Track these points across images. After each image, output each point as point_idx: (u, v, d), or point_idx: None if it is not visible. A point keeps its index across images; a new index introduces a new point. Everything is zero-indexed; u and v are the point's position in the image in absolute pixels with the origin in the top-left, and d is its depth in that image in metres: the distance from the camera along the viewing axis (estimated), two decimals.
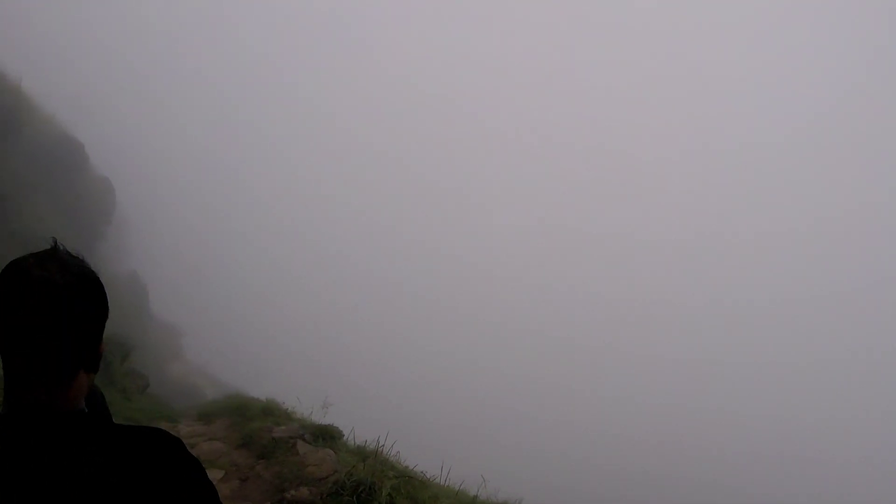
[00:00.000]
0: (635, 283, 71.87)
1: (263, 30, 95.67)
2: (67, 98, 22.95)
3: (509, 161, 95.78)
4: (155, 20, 73.97)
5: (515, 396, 46.23)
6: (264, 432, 6.46)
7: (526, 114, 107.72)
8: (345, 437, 7.14)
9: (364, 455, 5.88)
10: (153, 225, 36.46)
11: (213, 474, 5.75)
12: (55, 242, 0.95)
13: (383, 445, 5.99)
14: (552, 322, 61.22)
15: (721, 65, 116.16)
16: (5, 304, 0.87)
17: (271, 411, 8.00)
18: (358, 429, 7.36)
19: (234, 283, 46.11)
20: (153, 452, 0.90)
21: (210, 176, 61.85)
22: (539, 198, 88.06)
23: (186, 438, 7.64)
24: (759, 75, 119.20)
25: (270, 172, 73.03)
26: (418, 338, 52.87)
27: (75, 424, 0.88)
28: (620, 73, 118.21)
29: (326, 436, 6.71)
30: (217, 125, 71.47)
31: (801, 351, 58.35)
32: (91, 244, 20.05)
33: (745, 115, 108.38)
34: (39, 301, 0.86)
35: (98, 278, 0.97)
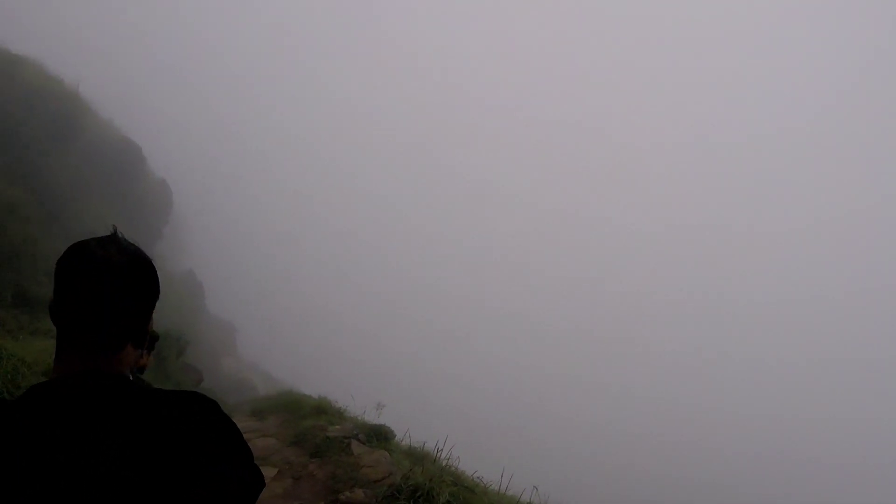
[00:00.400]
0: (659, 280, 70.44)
1: (312, 38, 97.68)
2: (123, 103, 23.88)
3: (520, 160, 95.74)
4: (206, 28, 76.87)
5: (560, 398, 45.62)
6: (318, 430, 6.35)
7: (542, 111, 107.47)
8: (398, 439, 6.98)
9: (419, 458, 5.67)
10: (207, 225, 37.83)
11: (267, 472, 5.67)
12: (115, 229, 1.04)
13: (440, 450, 5.76)
14: (594, 321, 60.38)
15: (723, 64, 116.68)
16: (67, 279, 0.96)
17: (324, 409, 7.94)
18: (411, 430, 7.25)
19: (283, 283, 47.27)
20: (190, 412, 0.95)
21: (259, 178, 63.65)
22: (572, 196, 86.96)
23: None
24: (763, 75, 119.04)
25: (317, 176, 74.58)
26: (462, 337, 52.95)
27: (118, 386, 0.95)
28: (630, 72, 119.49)
29: (380, 436, 6.51)
30: (266, 129, 73.49)
31: (808, 350, 57.45)
32: (150, 243, 20.84)
33: (749, 114, 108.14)
34: (97, 278, 0.95)
35: (151, 262, 1.04)
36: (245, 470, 0.98)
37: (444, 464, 5.58)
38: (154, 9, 65.68)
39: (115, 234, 1.02)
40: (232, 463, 0.96)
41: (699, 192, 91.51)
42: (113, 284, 0.96)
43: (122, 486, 0.85)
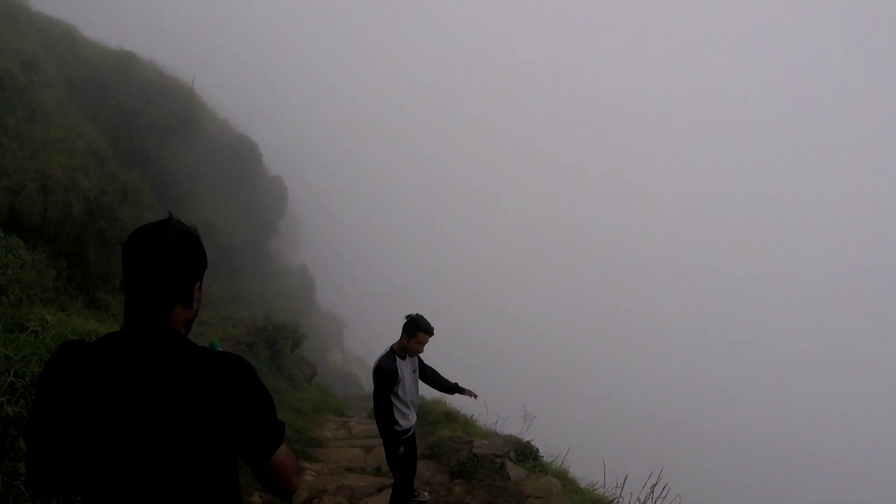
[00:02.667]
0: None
1: (407, 39, 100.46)
2: (237, 101, 24.86)
3: (519, 161, 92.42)
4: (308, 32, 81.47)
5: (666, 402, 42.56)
6: (458, 444, 5.17)
7: (539, 114, 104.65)
8: (543, 457, 5.56)
9: (595, 497, 4.22)
10: (319, 225, 39.08)
11: None
12: (170, 214, 1.29)
13: (621, 489, 4.28)
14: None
15: (724, 63, 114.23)
16: (128, 255, 1.19)
17: (454, 417, 6.87)
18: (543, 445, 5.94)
19: (388, 283, 48.06)
20: (227, 370, 1.19)
21: (361, 178, 65.69)
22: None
23: (359, 439, 6.67)
24: (763, 74, 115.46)
25: (426, 180, 76.12)
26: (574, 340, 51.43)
27: (168, 341, 1.18)
28: (632, 73, 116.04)
29: (529, 455, 5.27)
30: (365, 129, 75.97)
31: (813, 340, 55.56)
32: (267, 238, 21.32)
33: (748, 110, 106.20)
34: (149, 253, 1.18)
35: (198, 239, 1.28)
36: (271, 420, 1.23)
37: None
38: (271, 13, 70.29)
39: (169, 219, 1.26)
40: (261, 412, 1.21)
41: (706, 188, 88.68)
42: (161, 258, 1.18)
43: (170, 418, 1.09)
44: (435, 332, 3.90)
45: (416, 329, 3.76)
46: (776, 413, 43.50)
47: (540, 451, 5.71)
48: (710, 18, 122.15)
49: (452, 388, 4.15)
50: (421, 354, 3.96)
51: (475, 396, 4.17)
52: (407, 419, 3.83)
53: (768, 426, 41.23)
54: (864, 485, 32.84)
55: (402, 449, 3.75)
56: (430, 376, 4.13)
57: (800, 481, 33.36)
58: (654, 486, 4.63)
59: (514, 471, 4.36)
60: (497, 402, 6.84)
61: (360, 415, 9.13)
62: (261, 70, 58.77)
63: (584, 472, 5.46)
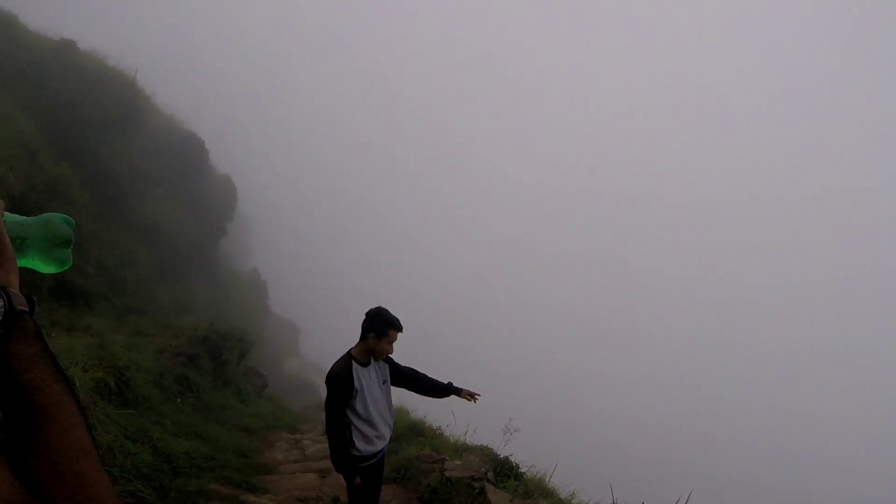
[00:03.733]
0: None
1: (359, 34, 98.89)
2: (182, 96, 23.44)
3: (512, 164, 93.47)
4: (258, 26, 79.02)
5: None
6: (427, 464, 4.60)
7: (531, 116, 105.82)
8: (525, 473, 5.02)
9: None
10: (270, 226, 37.55)
11: None
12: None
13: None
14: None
15: (723, 62, 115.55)
16: None
17: (420, 430, 6.26)
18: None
19: (343, 282, 46.82)
20: None
21: (316, 178, 64.04)
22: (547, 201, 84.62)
23: (314, 461, 5.97)
24: (762, 72, 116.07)
25: (378, 179, 74.75)
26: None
27: None
28: (622, 76, 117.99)
29: (509, 472, 4.71)
30: (319, 128, 74.17)
31: (811, 343, 56.57)
32: (215, 240, 20.09)
33: (747, 111, 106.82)
34: None
35: None
36: None
37: None
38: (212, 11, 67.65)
39: None
40: None
41: (703, 188, 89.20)
42: None
43: None
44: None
45: (387, 326, 3.10)
46: (775, 414, 44.10)
47: (521, 466, 5.06)
48: (701, 25, 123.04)
49: (446, 390, 3.40)
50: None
51: (476, 398, 3.42)
52: (369, 442, 3.09)
53: (768, 427, 41.80)
54: (865, 485, 33.52)
55: (358, 479, 3.02)
56: (411, 380, 3.37)
57: (800, 481, 33.54)
58: None
59: (497, 496, 3.81)
60: (474, 415, 6.24)
61: (317, 429, 8.43)
62: (210, 66, 56.27)
63: (571, 484, 4.99)
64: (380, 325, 3.09)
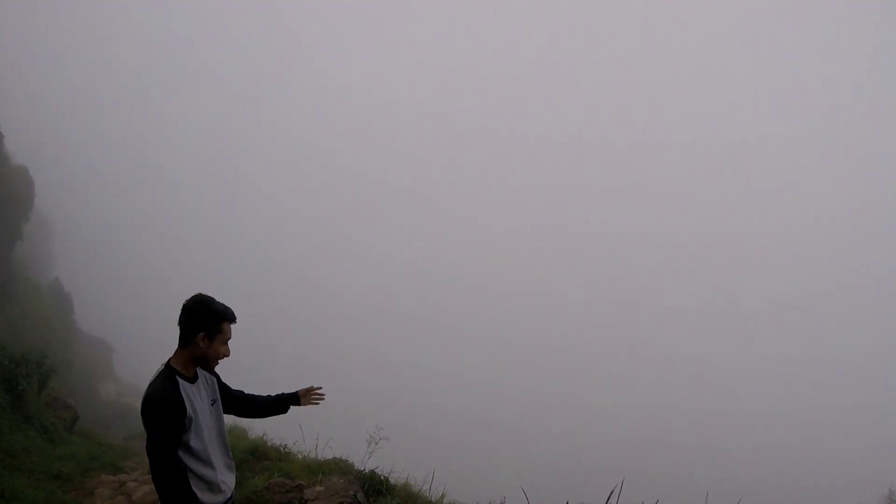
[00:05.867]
0: (639, 284, 72.31)
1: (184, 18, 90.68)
2: None
3: (502, 163, 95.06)
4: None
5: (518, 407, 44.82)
6: (280, 494, 4.21)
7: (525, 112, 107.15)
8: (395, 485, 4.76)
9: None
10: (76, 229, 32.42)
11: None
12: None
13: None
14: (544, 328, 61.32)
15: (723, 62, 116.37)
16: None
17: (264, 453, 5.74)
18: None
19: (165, 292, 42.31)
20: None
21: (136, 174, 56.98)
22: (538, 199, 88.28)
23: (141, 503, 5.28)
24: (764, 72, 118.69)
25: (208, 178, 68.69)
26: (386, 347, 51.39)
27: None
28: (620, 70, 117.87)
29: (378, 486, 4.51)
30: (139, 117, 66.27)
31: (804, 348, 58.67)
32: (8, 245, 16.98)
33: (748, 113, 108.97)
34: None
35: None
36: None
37: None
38: None
39: None
40: None
41: (699, 191, 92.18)
42: None
43: None
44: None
45: (218, 318, 2.26)
46: (776, 414, 45.66)
47: (391, 478, 4.70)
48: (699, 49, 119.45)
49: (282, 402, 2.70)
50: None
51: (321, 394, 2.76)
52: (214, 490, 2.22)
53: (769, 428, 43.52)
54: (864, 484, 36.65)
55: None
56: (244, 402, 2.61)
57: (798, 482, 34.66)
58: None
59: None
60: (326, 424, 6.02)
61: (143, 464, 7.30)
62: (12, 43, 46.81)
63: (452, 488, 4.92)
64: (209, 321, 2.24)
